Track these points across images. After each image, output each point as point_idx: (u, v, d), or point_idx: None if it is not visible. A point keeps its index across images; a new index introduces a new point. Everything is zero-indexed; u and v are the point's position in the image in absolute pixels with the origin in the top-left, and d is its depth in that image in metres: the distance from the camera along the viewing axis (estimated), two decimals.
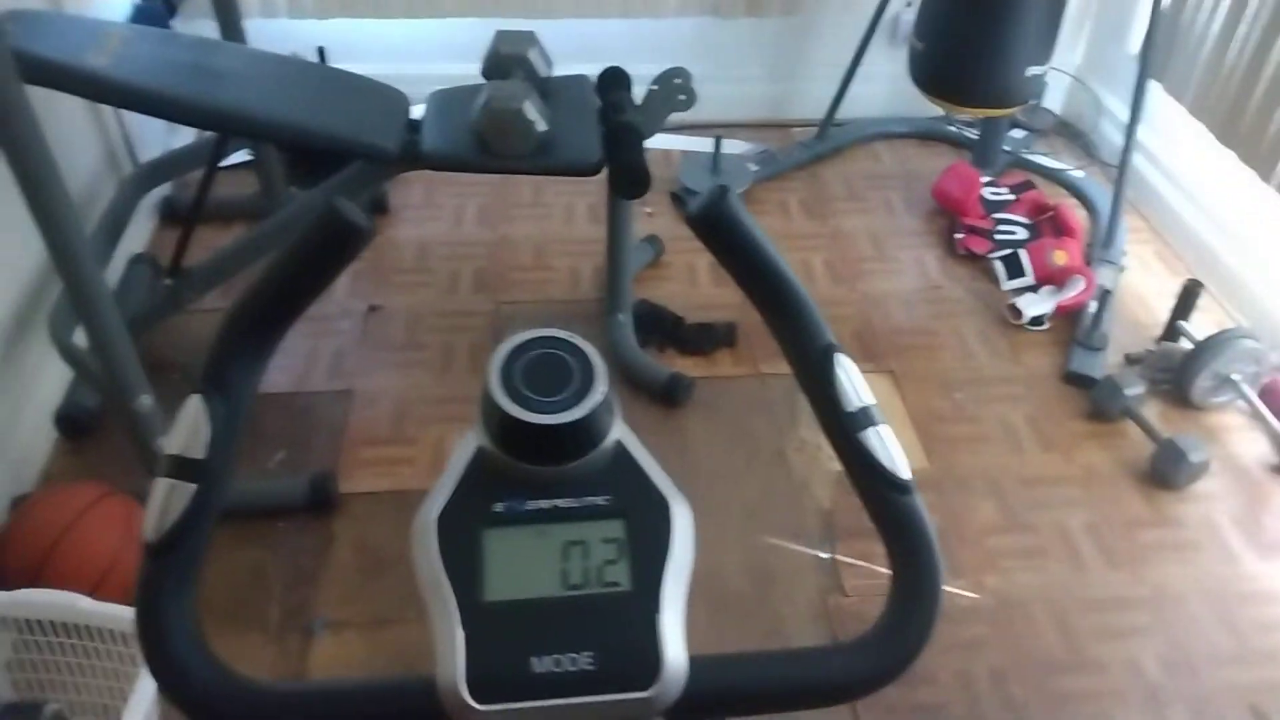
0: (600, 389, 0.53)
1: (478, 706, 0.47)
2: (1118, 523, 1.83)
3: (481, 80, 1.73)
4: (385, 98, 1.83)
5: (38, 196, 1.27)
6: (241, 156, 2.37)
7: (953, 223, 2.51)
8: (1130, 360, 2.15)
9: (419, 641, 1.65)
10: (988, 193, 2.54)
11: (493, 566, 0.50)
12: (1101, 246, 2.39)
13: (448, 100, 1.82)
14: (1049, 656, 1.61)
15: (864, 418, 0.56)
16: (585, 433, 0.52)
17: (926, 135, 2.88)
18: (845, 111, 2.71)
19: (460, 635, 0.48)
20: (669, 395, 1.99)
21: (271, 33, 2.47)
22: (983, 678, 1.58)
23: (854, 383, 0.57)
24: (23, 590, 1.29)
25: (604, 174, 1.72)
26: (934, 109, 2.48)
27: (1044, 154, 2.78)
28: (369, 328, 2.15)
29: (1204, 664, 1.61)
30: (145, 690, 1.17)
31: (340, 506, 1.76)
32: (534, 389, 0.52)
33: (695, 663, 0.50)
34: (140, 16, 2.29)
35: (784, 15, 2.70)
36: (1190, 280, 2.13)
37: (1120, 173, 2.35)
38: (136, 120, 2.27)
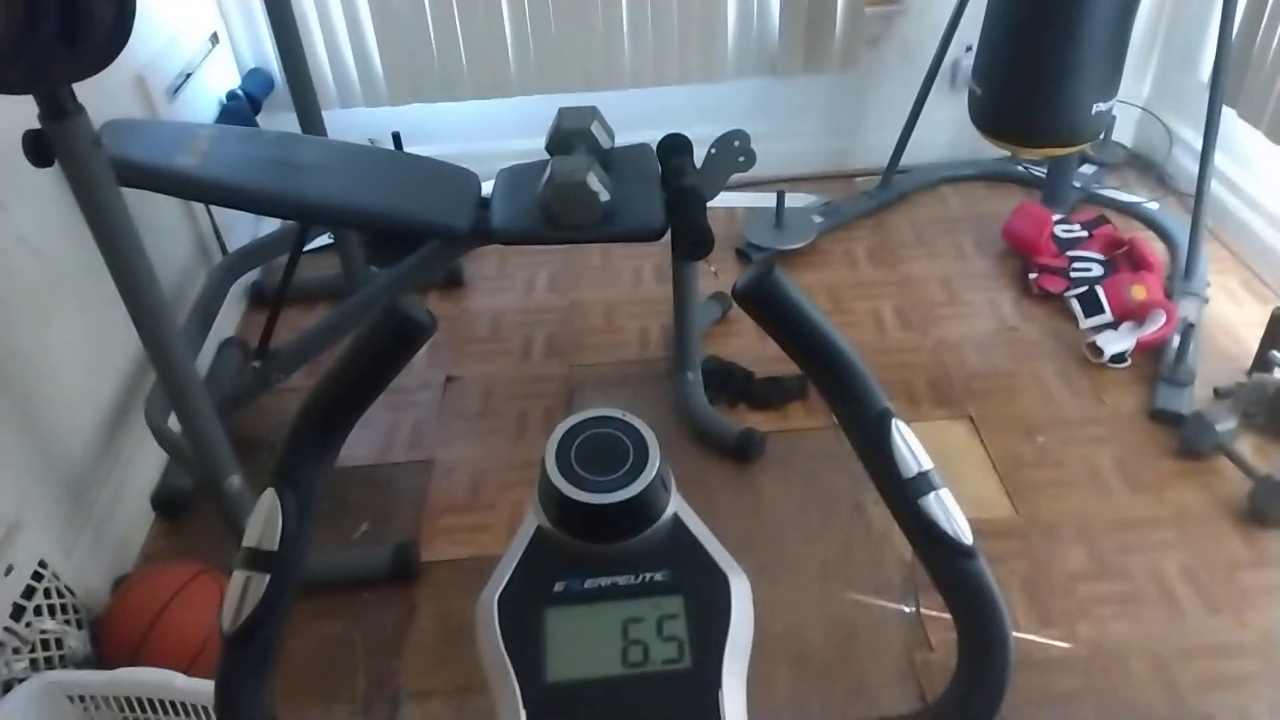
0: (653, 465, 0.54)
1: None
2: (1216, 565, 1.76)
3: (546, 155, 1.79)
4: (456, 178, 1.91)
5: (131, 290, 1.36)
6: (323, 240, 2.48)
7: (1026, 263, 2.47)
8: (1220, 394, 2.07)
9: None
10: (1060, 230, 2.50)
11: (554, 646, 0.51)
12: (1183, 278, 2.32)
13: (515, 177, 1.89)
14: (1150, 709, 1.54)
15: (923, 483, 0.55)
16: (640, 509, 0.53)
17: (994, 176, 2.86)
18: (909, 158, 2.71)
19: (523, 717, 0.49)
20: (742, 452, 1.99)
21: (349, 121, 2.60)
22: None
23: (911, 447, 0.56)
24: (121, 669, 1.34)
25: (668, 236, 1.76)
26: (999, 150, 2.46)
27: (1116, 188, 2.73)
28: (447, 398, 2.21)
29: None
30: None
31: (422, 575, 1.80)
32: (589, 469, 0.54)
33: None
34: (227, 115, 2.43)
35: (841, 70, 2.73)
36: (1279, 308, 2.05)
37: (1198, 201, 2.29)
38: (226, 211, 2.39)
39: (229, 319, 2.37)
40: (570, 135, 1.80)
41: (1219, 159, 2.32)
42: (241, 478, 1.61)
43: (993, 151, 2.50)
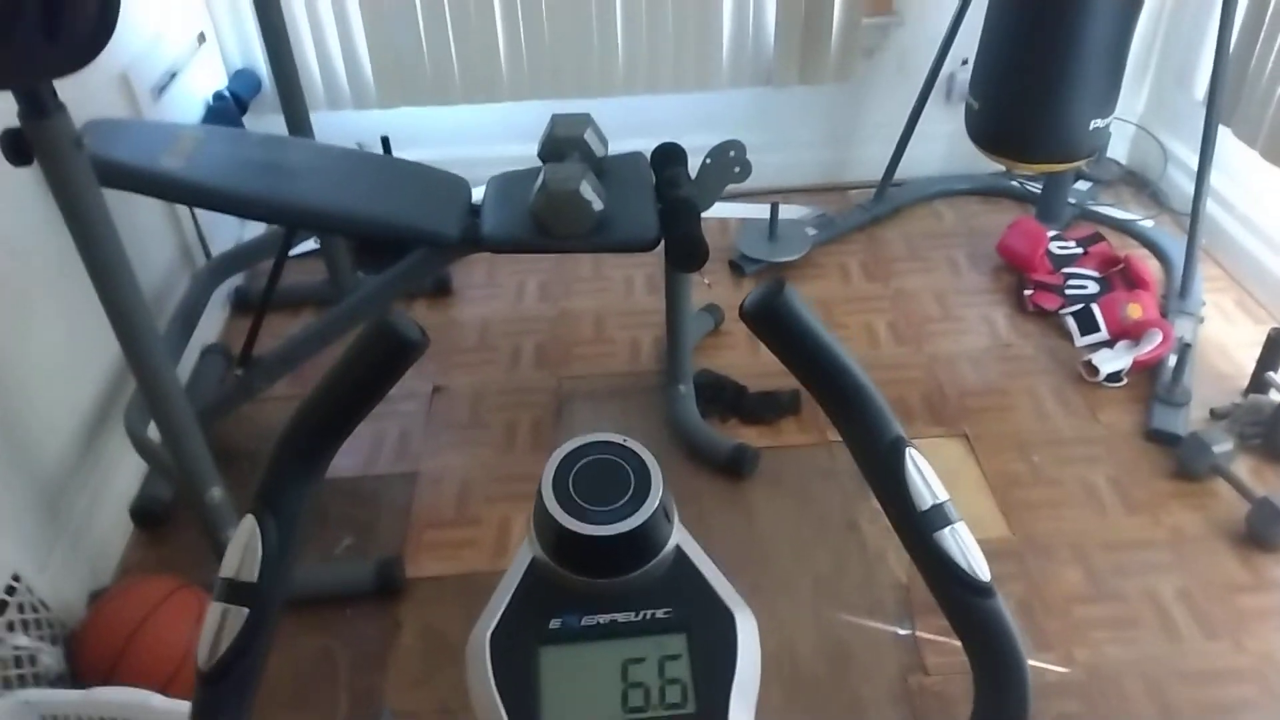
0: (656, 495, 0.51)
1: None
2: (1213, 588, 1.74)
3: (539, 162, 1.76)
4: (446, 185, 1.87)
5: (111, 295, 1.32)
6: (309, 245, 2.44)
7: (1020, 279, 2.46)
8: (1216, 415, 2.06)
9: None
10: (1055, 247, 2.48)
11: (549, 688, 0.48)
12: (1178, 297, 2.31)
13: (506, 184, 1.85)
14: None
15: (938, 516, 0.52)
16: (643, 542, 0.50)
17: (989, 191, 2.84)
18: (903, 171, 2.69)
19: None
20: (734, 467, 1.96)
21: (337, 124, 2.56)
22: None
23: (926, 478, 0.54)
24: (96, 689, 1.30)
25: (661, 247, 1.73)
26: (994, 165, 2.45)
27: (1111, 205, 2.73)
28: (433, 409, 2.17)
29: None
30: None
31: (407, 591, 1.76)
32: (588, 498, 0.51)
33: None
34: (213, 116, 2.39)
35: (837, 81, 2.71)
36: (1275, 329, 2.04)
37: (1193, 220, 2.28)
38: (209, 214, 2.35)
39: (211, 325, 2.33)
40: (563, 142, 1.78)
41: (1214, 178, 2.31)
42: (223, 489, 1.57)
43: (988, 166, 2.49)
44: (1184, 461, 1.94)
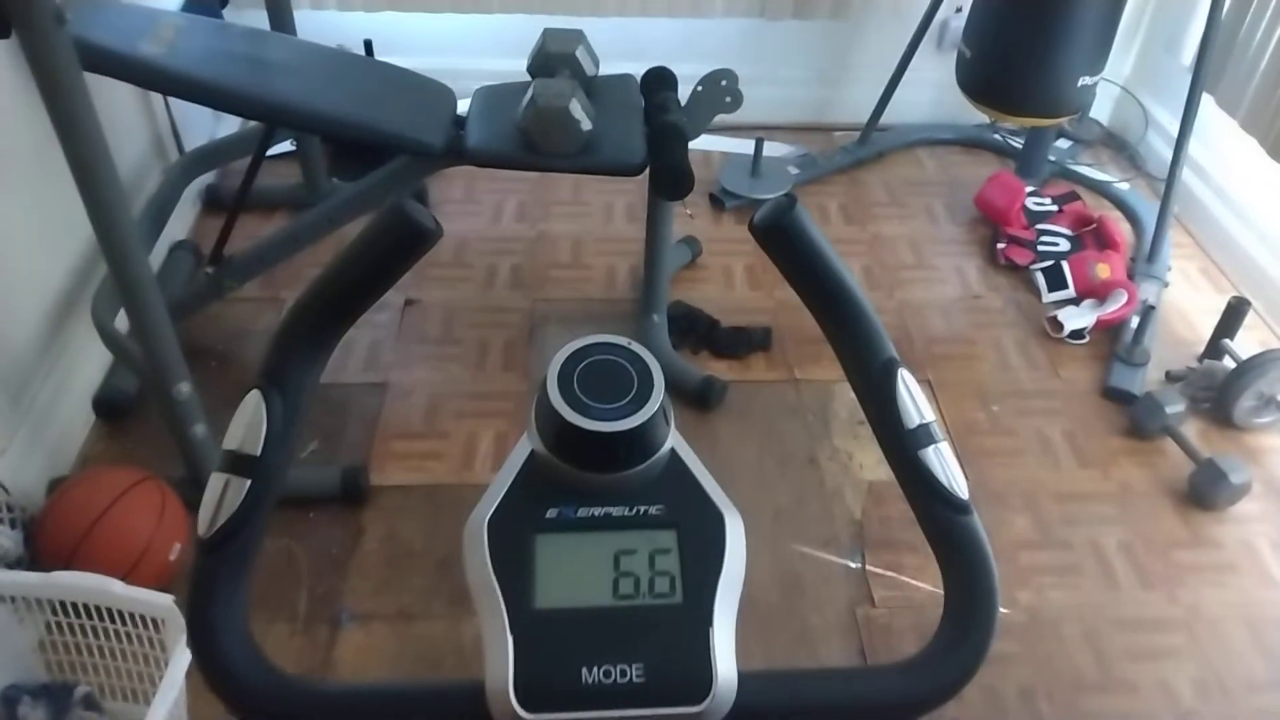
0: (658, 397, 0.52)
1: (526, 715, 0.46)
2: (1154, 542, 1.81)
3: (528, 78, 1.73)
4: (432, 93, 1.84)
5: (89, 181, 1.29)
6: (285, 147, 2.39)
7: (995, 232, 2.48)
8: (1171, 377, 2.12)
9: (445, 637, 1.65)
10: (1031, 203, 2.51)
11: (543, 573, 0.50)
12: (1145, 261, 2.35)
13: (494, 97, 1.82)
14: (1079, 676, 1.59)
15: (924, 435, 0.55)
16: (641, 441, 0.52)
17: (971, 143, 2.85)
18: (889, 117, 2.68)
19: (510, 642, 0.48)
20: (702, 398, 1.99)
21: (319, 24, 2.50)
22: (1011, 695, 1.56)
23: (915, 399, 0.56)
24: (56, 572, 1.30)
25: (645, 174, 1.72)
26: (979, 116, 2.45)
27: (1089, 165, 2.75)
28: (405, 322, 2.16)
29: (1238, 689, 1.58)
30: (174, 679, 1.17)
31: (371, 499, 1.77)
32: (591, 395, 0.52)
33: (745, 679, 0.50)
34: (192, 5, 2.31)
35: (831, 18, 2.68)
36: (1236, 298, 2.09)
37: (1168, 186, 2.31)
38: (184, 108, 2.29)
39: (182, 221, 2.28)
40: (554, 58, 1.75)
41: (1192, 146, 2.33)
42: (191, 385, 1.56)
43: (972, 117, 2.49)
44: (1137, 420, 1.99)
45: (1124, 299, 2.20)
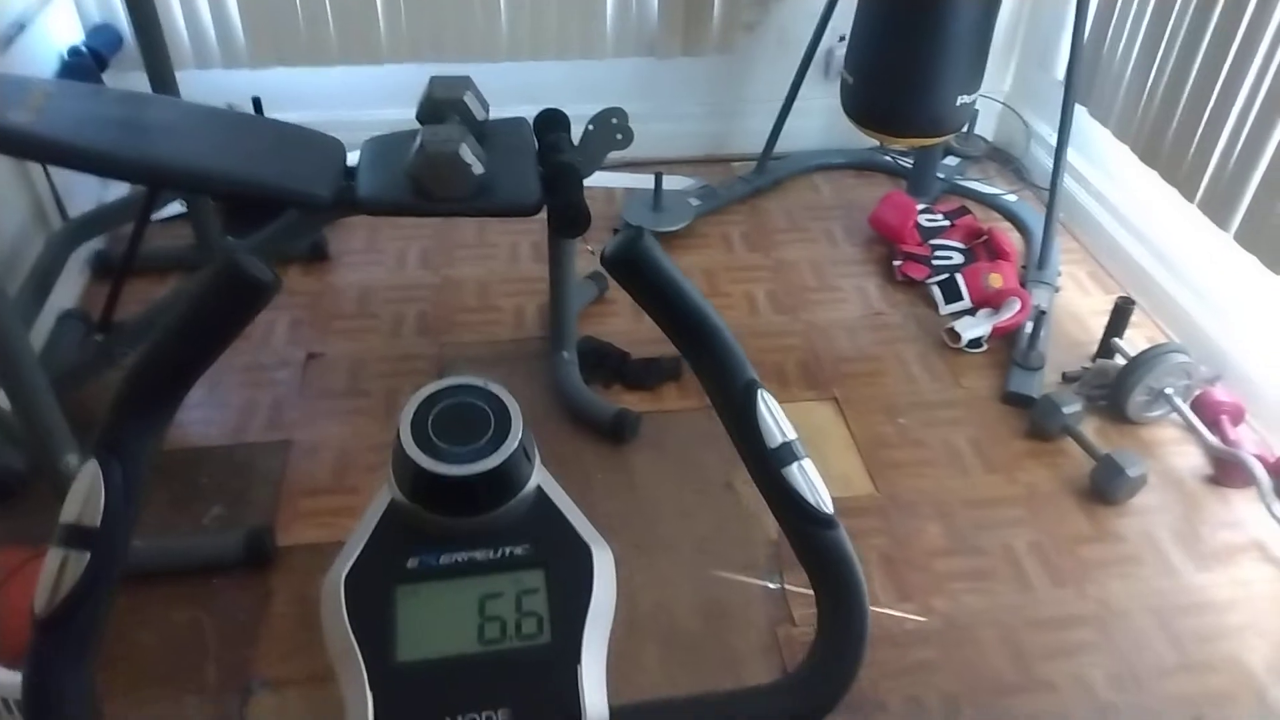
0: (515, 436, 0.52)
1: None
2: (1061, 540, 1.85)
3: (417, 125, 1.73)
4: (320, 146, 1.83)
5: None
6: (176, 209, 2.34)
7: (891, 250, 2.55)
8: (1067, 378, 2.19)
9: None
10: (924, 220, 2.58)
11: (405, 625, 0.49)
12: (1036, 268, 2.44)
13: (383, 146, 1.82)
14: (999, 678, 1.62)
15: (786, 453, 0.56)
16: (501, 482, 0.51)
17: (863, 166, 2.93)
18: (783, 145, 2.75)
19: (369, 700, 0.47)
20: (616, 432, 1.99)
21: (207, 84, 2.46)
22: (934, 702, 1.58)
23: (776, 418, 0.57)
24: None
25: (545, 214, 1.73)
26: (869, 140, 2.52)
27: (978, 179, 2.85)
28: (308, 377, 2.12)
29: (1150, 677, 1.62)
30: None
31: (278, 560, 1.73)
32: (446, 439, 0.51)
33: (617, 712, 0.49)
34: (68, 72, 2.26)
35: (720, 54, 2.74)
36: (1122, 298, 2.18)
37: (1051, 196, 2.41)
38: (67, 175, 2.23)
39: (69, 290, 2.21)
40: (442, 105, 1.75)
41: (1072, 155, 2.44)
42: (80, 456, 1.50)
43: (863, 141, 2.56)
44: (1037, 422, 2.05)
45: (1017, 306, 2.28)
